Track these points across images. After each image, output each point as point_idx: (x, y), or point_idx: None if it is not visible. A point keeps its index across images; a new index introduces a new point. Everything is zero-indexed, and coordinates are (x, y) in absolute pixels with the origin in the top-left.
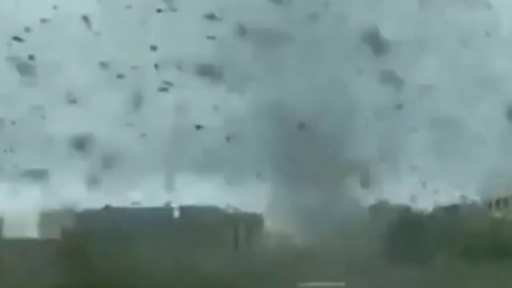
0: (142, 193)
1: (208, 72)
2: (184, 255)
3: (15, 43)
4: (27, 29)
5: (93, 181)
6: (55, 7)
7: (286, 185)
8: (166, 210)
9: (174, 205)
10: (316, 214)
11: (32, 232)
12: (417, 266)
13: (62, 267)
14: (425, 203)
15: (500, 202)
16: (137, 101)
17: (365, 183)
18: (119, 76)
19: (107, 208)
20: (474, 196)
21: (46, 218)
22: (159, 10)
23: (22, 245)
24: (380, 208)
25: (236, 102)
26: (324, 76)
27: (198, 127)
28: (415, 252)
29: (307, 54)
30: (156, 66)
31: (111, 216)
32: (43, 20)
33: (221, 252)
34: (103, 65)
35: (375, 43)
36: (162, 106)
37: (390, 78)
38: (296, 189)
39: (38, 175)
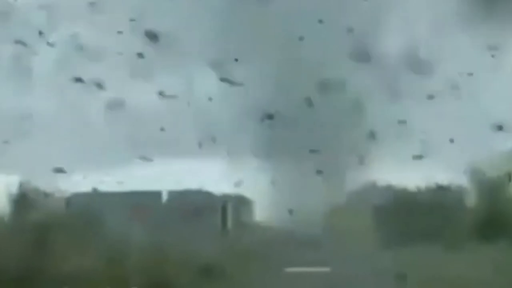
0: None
1: None
2: (171, 238)
3: None
4: None
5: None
6: None
7: (276, 165)
8: (154, 193)
9: (162, 189)
10: (305, 196)
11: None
12: (410, 249)
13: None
14: (418, 183)
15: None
16: None
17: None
18: None
19: (95, 191)
20: (464, 175)
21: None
22: None
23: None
24: (371, 188)
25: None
26: None
27: None
28: (408, 234)
29: None
30: None
31: (98, 200)
32: None
33: (209, 236)
34: None
35: None
36: None
37: None
38: (286, 170)
39: None
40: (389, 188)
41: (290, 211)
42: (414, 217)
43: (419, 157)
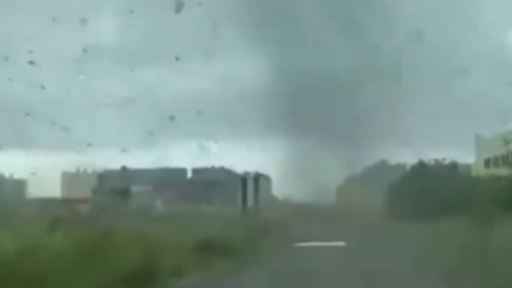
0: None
1: None
2: (191, 213)
3: None
4: None
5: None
6: None
7: (293, 145)
8: (180, 170)
9: (187, 166)
10: (320, 173)
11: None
12: (420, 223)
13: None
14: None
15: (498, 160)
16: None
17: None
18: None
19: (124, 169)
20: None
21: (68, 178)
22: None
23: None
24: (381, 167)
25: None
26: None
27: None
28: (418, 209)
29: None
30: None
31: (128, 176)
32: None
33: (229, 209)
34: None
35: None
36: None
37: None
38: (302, 149)
39: None
40: (402, 165)
41: (306, 186)
42: (426, 193)
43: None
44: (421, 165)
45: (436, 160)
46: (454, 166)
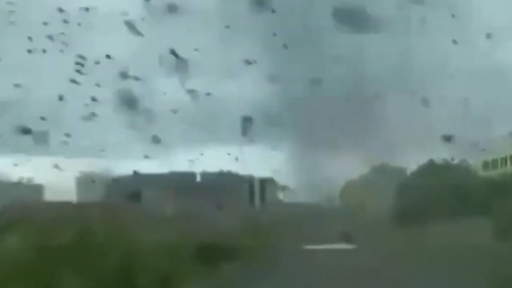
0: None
1: None
2: (201, 215)
3: None
4: None
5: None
6: None
7: (299, 147)
8: (190, 174)
9: (197, 170)
10: (326, 175)
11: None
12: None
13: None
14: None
15: (499, 162)
16: None
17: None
18: None
19: (136, 173)
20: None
21: (83, 183)
22: None
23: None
24: (388, 168)
25: None
26: None
27: None
28: (426, 212)
29: None
30: None
31: (139, 181)
32: None
33: (237, 212)
34: None
35: None
36: None
37: None
38: (309, 151)
39: None
40: (404, 166)
41: (313, 188)
42: (437, 193)
43: (447, 138)
44: (430, 165)
45: (445, 160)
46: (463, 166)
